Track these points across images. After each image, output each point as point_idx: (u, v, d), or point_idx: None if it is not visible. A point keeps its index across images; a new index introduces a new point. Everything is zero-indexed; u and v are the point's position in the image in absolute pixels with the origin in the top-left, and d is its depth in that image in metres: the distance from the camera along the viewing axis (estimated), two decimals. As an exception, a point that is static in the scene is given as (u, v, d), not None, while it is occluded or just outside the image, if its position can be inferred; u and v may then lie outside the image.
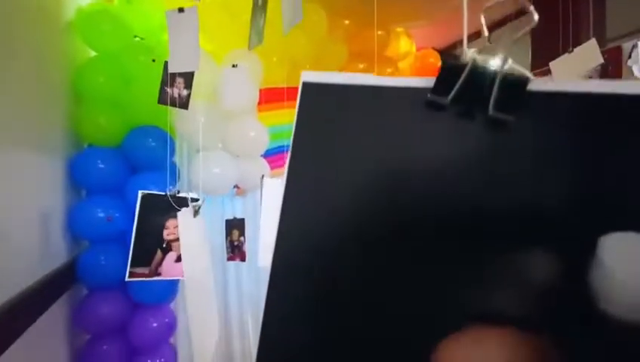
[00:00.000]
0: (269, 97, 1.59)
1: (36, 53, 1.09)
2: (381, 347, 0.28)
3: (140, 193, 1.08)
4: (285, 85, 1.48)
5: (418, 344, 0.27)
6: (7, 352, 0.87)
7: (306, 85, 0.32)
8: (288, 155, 0.31)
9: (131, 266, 1.11)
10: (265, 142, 1.49)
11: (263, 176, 1.14)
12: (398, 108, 0.30)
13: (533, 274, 0.26)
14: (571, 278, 0.25)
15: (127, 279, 1.11)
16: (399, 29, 1.96)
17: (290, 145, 0.31)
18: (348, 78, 0.31)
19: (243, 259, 1.45)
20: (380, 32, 1.77)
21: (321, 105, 0.31)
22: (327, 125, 0.31)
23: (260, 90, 1.48)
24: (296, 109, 0.31)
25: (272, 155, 1.62)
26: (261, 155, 1.54)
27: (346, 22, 1.80)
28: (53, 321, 1.20)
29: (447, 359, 0.26)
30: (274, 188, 0.99)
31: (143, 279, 1.14)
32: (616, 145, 0.26)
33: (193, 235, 1.00)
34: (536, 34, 1.78)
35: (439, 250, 0.28)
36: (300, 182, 0.30)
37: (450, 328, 0.27)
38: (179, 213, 0.98)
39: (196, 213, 1.00)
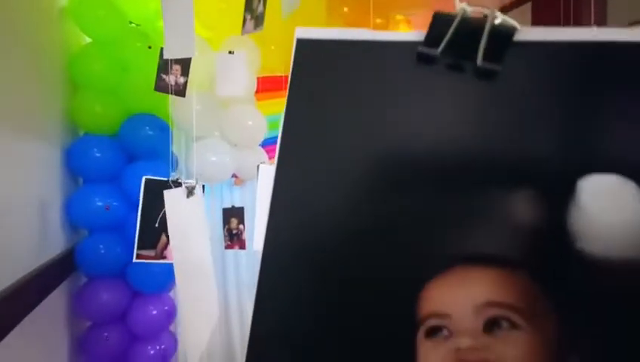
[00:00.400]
0: (267, 86, 1.58)
1: (30, 40, 1.07)
2: (371, 293, 0.29)
3: (143, 178, 1.08)
4: (283, 73, 1.46)
5: (407, 286, 0.28)
6: (9, 339, 0.88)
7: (300, 42, 0.31)
8: (282, 121, 0.31)
9: (138, 249, 1.12)
10: (263, 131, 1.49)
11: (259, 164, 1.14)
12: (394, 63, 0.30)
13: (516, 217, 0.28)
14: (552, 220, 0.27)
15: (134, 260, 1.12)
16: (399, 17, 1.94)
17: (284, 109, 0.31)
18: (343, 33, 0.31)
19: (242, 247, 1.45)
20: (378, 20, 1.75)
21: (316, 64, 0.31)
22: (323, 85, 0.31)
23: (258, 79, 1.46)
24: (291, 69, 0.31)
25: (270, 145, 1.62)
26: (259, 145, 1.54)
27: (345, 9, 1.78)
28: (54, 309, 1.20)
29: (434, 297, 0.28)
30: (270, 174, 0.98)
31: (150, 261, 1.14)
32: (601, 91, 0.27)
33: (186, 217, 0.99)
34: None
35: (430, 199, 0.29)
36: (294, 150, 0.31)
37: (437, 270, 0.28)
38: (165, 193, 0.97)
39: (190, 193, 0.99)
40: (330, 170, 0.30)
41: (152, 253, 1.15)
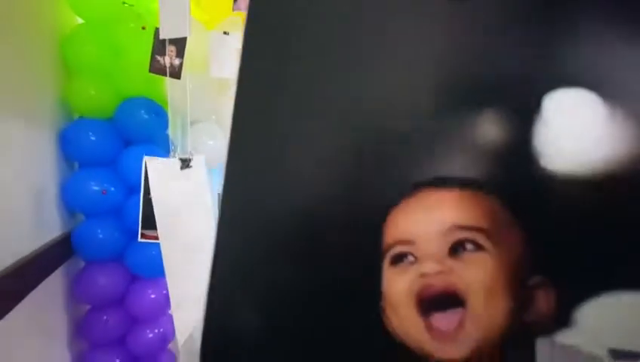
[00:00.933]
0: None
1: (21, 20, 1.05)
2: (334, 223, 0.28)
3: (144, 158, 1.07)
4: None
5: (372, 214, 0.28)
6: (7, 322, 0.88)
7: None
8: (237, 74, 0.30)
9: (142, 228, 1.12)
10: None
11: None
12: None
13: (482, 138, 0.27)
14: (517, 139, 0.26)
15: (139, 240, 1.12)
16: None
17: (241, 49, 0.30)
18: None
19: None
20: None
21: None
22: (283, 12, 0.29)
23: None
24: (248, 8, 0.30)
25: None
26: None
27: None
28: (52, 292, 1.21)
29: (399, 223, 0.28)
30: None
31: (155, 241, 1.14)
32: (567, 7, 0.27)
33: (180, 191, 0.98)
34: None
35: (394, 123, 0.28)
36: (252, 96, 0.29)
37: (402, 195, 0.27)
38: (147, 159, 0.95)
39: (184, 164, 0.98)
40: (293, 100, 0.29)
41: (156, 232, 1.14)
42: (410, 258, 0.27)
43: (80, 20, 1.24)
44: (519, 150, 0.26)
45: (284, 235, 0.28)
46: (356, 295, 0.27)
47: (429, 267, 0.27)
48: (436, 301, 0.26)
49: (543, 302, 0.26)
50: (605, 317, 0.24)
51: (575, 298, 0.25)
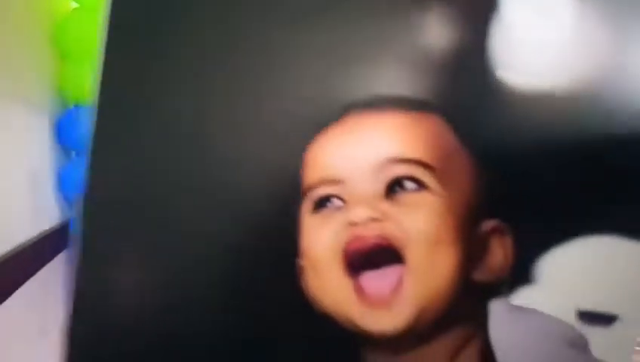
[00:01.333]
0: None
1: (14, 5, 1.04)
2: (241, 160, 0.23)
3: None
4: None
5: (287, 147, 0.22)
6: (5, 312, 0.88)
7: None
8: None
9: None
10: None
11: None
12: None
13: (425, 46, 0.21)
14: (469, 46, 0.21)
15: None
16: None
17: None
18: None
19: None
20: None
21: None
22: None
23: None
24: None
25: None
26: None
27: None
28: (50, 281, 1.20)
29: (322, 157, 0.22)
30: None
31: None
32: None
33: None
34: None
35: (308, 28, 0.22)
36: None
37: (325, 121, 0.22)
38: None
39: None
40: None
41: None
42: (337, 202, 0.22)
43: (75, 5, 1.24)
44: (473, 60, 0.21)
45: (174, 180, 0.23)
46: (266, 251, 0.22)
47: (359, 213, 0.21)
48: (368, 256, 0.21)
49: (498, 252, 0.21)
50: (573, 270, 0.19)
51: (536, 246, 0.20)
